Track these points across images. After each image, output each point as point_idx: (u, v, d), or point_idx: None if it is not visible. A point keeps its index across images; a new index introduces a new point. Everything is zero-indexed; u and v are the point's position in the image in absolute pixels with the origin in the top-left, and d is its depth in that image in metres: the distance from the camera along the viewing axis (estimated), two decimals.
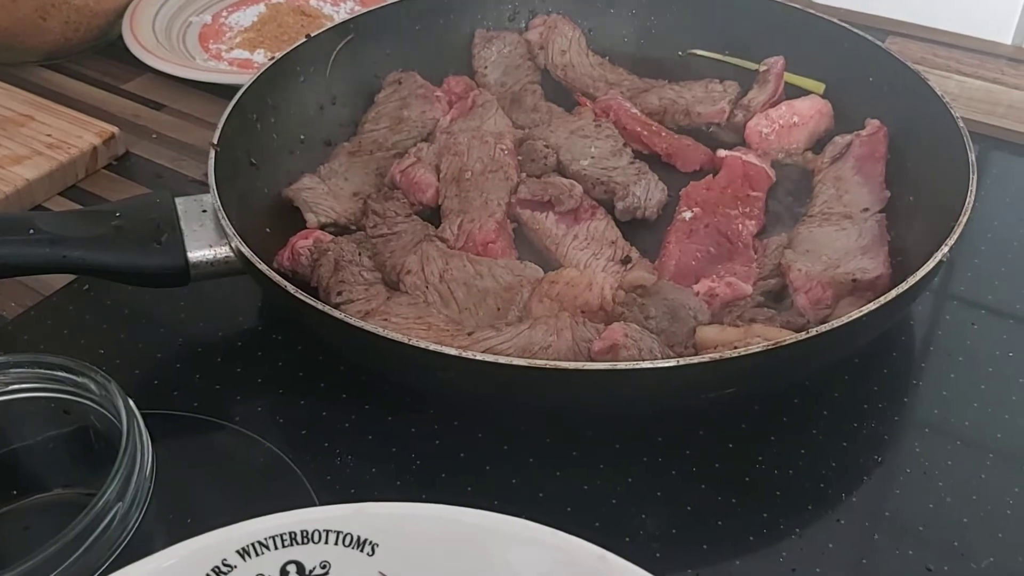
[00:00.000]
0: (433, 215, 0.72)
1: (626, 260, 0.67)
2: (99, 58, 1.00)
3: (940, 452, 0.57)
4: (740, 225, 0.69)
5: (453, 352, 0.52)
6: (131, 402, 0.46)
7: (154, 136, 0.88)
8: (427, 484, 0.56)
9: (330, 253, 0.65)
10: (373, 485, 0.56)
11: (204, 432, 0.59)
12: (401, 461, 0.58)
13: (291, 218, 0.71)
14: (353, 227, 0.71)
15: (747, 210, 0.70)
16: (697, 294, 0.63)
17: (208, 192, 0.64)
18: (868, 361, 0.63)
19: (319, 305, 0.55)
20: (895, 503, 0.55)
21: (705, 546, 0.53)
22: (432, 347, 0.52)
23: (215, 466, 0.58)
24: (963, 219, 0.59)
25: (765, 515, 0.54)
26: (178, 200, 0.64)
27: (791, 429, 0.59)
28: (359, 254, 0.66)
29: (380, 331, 0.53)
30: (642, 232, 0.71)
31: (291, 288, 0.56)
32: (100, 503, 0.41)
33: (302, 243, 0.66)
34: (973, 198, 0.61)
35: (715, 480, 0.56)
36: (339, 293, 0.63)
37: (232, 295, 0.69)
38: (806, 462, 0.57)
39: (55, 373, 0.48)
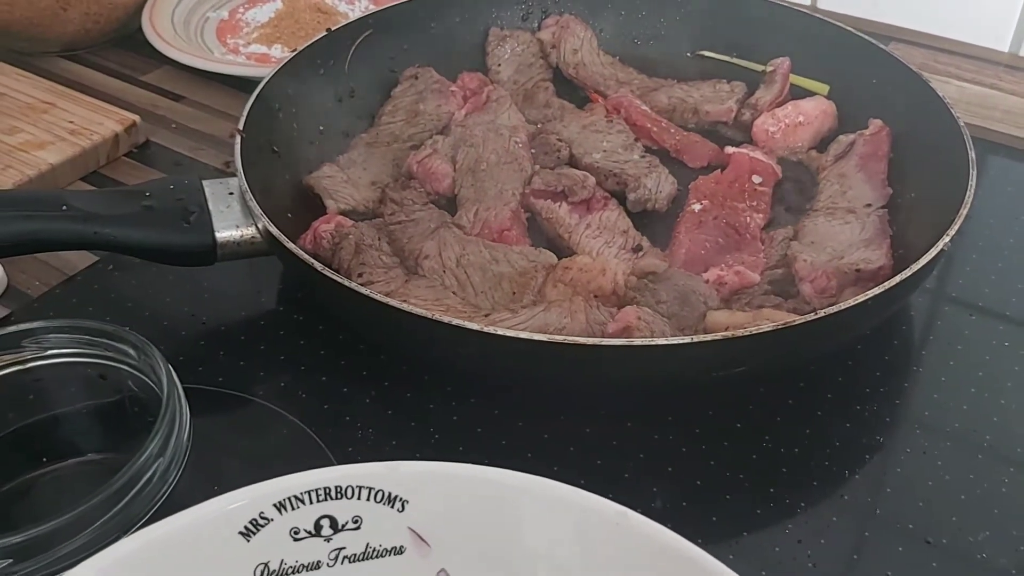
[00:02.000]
0: (448, 204, 0.75)
1: (637, 248, 0.69)
2: (118, 50, 1.02)
3: (939, 434, 0.60)
4: (748, 218, 0.71)
5: (475, 327, 0.54)
6: (170, 365, 0.48)
7: (173, 126, 0.90)
8: (445, 456, 0.57)
9: (351, 236, 0.67)
10: (393, 457, 0.57)
11: (229, 405, 0.61)
12: (420, 435, 0.60)
13: (311, 205, 0.73)
14: (371, 215, 0.73)
15: (754, 204, 0.73)
16: (707, 282, 0.66)
17: (232, 176, 0.66)
18: (870, 348, 0.65)
19: (345, 281, 0.57)
20: (896, 480, 0.57)
21: (714, 518, 0.55)
22: (455, 322, 0.54)
23: (241, 437, 0.59)
24: (963, 211, 0.61)
25: (772, 490, 0.56)
26: (205, 182, 0.66)
27: (796, 411, 0.61)
28: (379, 239, 0.68)
29: (405, 306, 0.55)
30: (652, 223, 0.73)
31: (318, 265, 0.58)
32: (143, 456, 0.43)
33: (324, 227, 0.68)
34: (973, 193, 0.63)
35: (724, 457, 0.58)
36: (359, 275, 0.65)
37: (253, 278, 0.71)
38: (811, 442, 0.59)
39: (93, 338, 0.50)
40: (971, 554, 0.53)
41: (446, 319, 0.54)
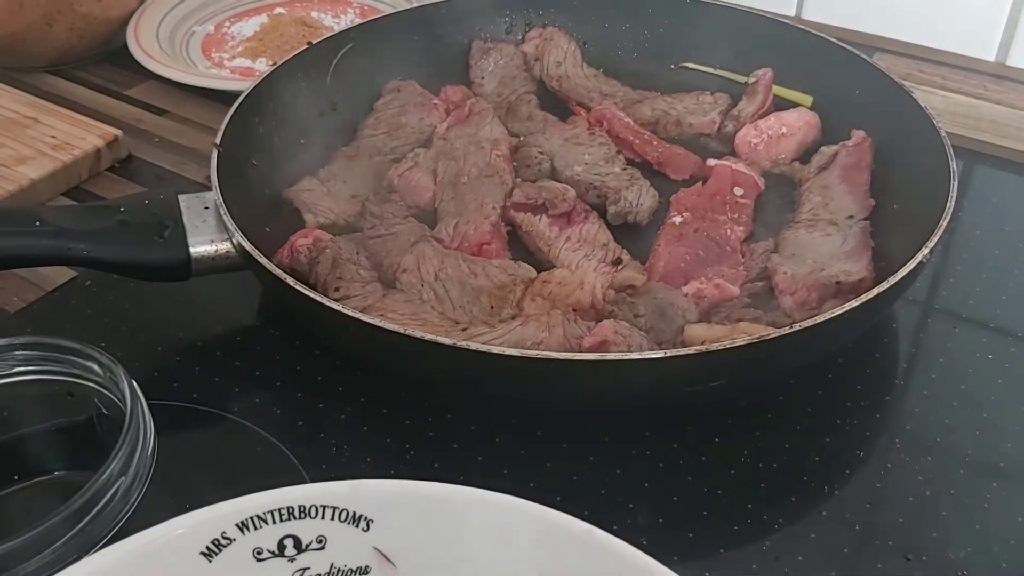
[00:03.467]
0: (428, 218, 0.74)
1: (617, 262, 0.69)
2: (103, 65, 1.02)
3: (920, 448, 0.59)
4: (728, 230, 0.71)
5: (448, 342, 0.53)
6: (134, 382, 0.47)
7: (156, 140, 0.90)
8: (420, 473, 0.57)
9: (328, 251, 0.66)
10: (367, 474, 0.56)
11: (203, 422, 0.61)
12: (395, 452, 0.59)
13: (290, 218, 0.73)
14: (351, 228, 0.73)
15: (735, 216, 0.72)
16: (686, 295, 0.65)
17: (210, 191, 0.66)
18: (852, 362, 0.65)
19: (319, 297, 0.56)
20: (875, 496, 0.56)
21: (691, 534, 0.54)
22: (428, 337, 0.53)
23: (213, 454, 0.59)
24: (943, 223, 0.61)
25: (749, 506, 0.55)
26: (181, 196, 0.66)
27: (776, 425, 0.60)
28: (356, 253, 0.68)
29: (378, 322, 0.55)
30: (633, 237, 0.73)
31: (291, 281, 0.57)
32: (104, 475, 0.43)
33: (302, 241, 0.68)
34: (954, 204, 0.63)
35: (702, 472, 0.57)
36: (336, 289, 0.65)
37: (230, 293, 0.70)
38: (790, 456, 0.58)
39: (60, 356, 0.50)
40: (952, 570, 0.52)
41: (419, 334, 0.53)
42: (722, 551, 0.53)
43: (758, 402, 0.61)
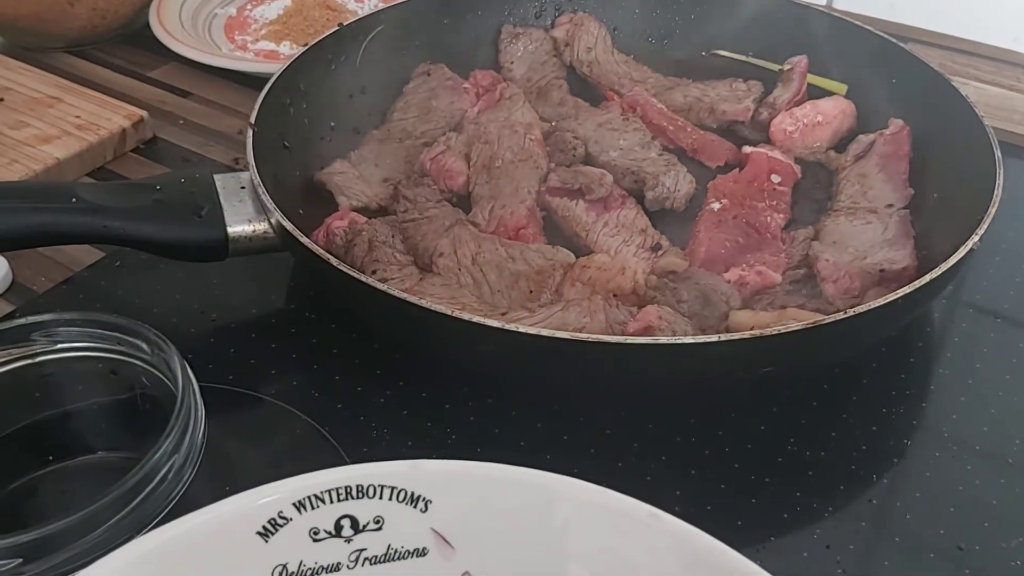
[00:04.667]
0: (461, 202, 0.73)
1: (656, 248, 0.68)
2: (124, 46, 1.00)
3: (967, 438, 0.58)
4: (768, 217, 0.70)
5: (496, 324, 0.52)
6: (185, 361, 0.46)
7: (181, 122, 0.89)
8: (463, 457, 0.56)
9: (365, 233, 0.66)
10: (410, 457, 0.56)
11: (240, 404, 0.60)
12: (436, 436, 0.58)
13: (322, 201, 0.72)
14: (383, 212, 0.72)
15: (774, 203, 0.71)
16: (728, 282, 0.64)
17: (243, 171, 0.65)
18: (894, 350, 0.64)
19: (363, 277, 0.56)
20: (925, 485, 0.55)
21: (740, 522, 0.53)
22: (475, 319, 0.53)
23: (253, 436, 0.58)
24: (992, 210, 0.60)
25: (798, 494, 0.55)
26: (216, 176, 0.65)
27: (821, 413, 0.60)
28: (392, 236, 0.67)
29: (424, 303, 0.54)
30: (669, 223, 0.72)
31: (334, 260, 0.56)
32: (157, 454, 0.42)
33: (338, 223, 0.67)
34: (1001, 191, 0.62)
35: (748, 460, 0.57)
36: (373, 272, 0.64)
37: (264, 276, 0.70)
38: (837, 444, 0.58)
39: (105, 332, 0.49)
40: (1006, 560, 0.51)
41: (466, 316, 0.53)
42: (772, 539, 0.53)
43: (803, 391, 0.61)
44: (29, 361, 0.48)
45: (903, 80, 0.78)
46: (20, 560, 0.39)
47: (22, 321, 0.48)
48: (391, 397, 0.60)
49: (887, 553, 0.52)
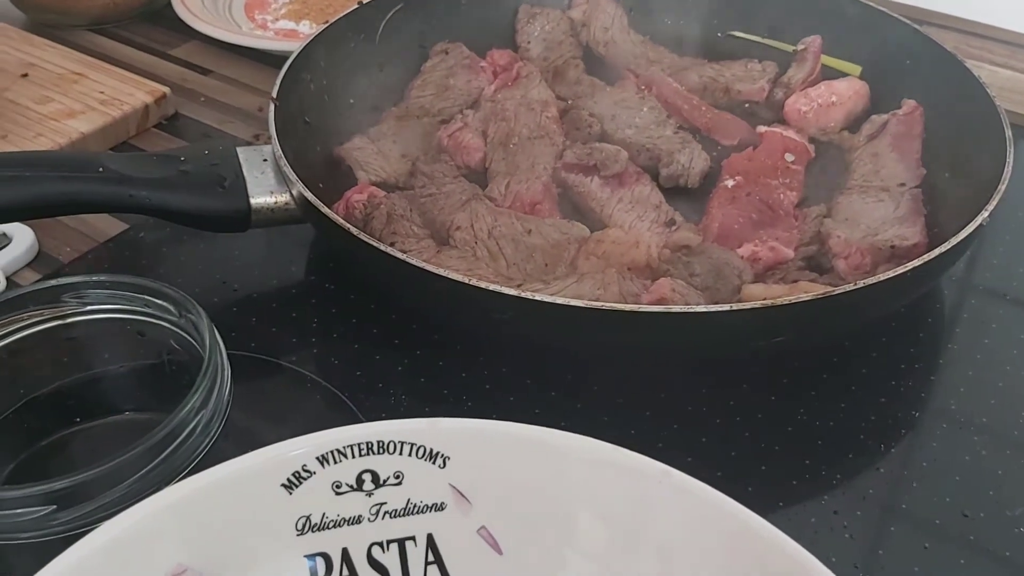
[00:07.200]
0: (478, 178, 0.74)
1: (670, 223, 0.69)
2: (146, 25, 1.02)
3: (975, 409, 0.59)
4: (781, 195, 0.71)
5: (514, 292, 0.54)
6: (210, 320, 0.48)
7: (202, 99, 0.90)
8: None
9: (383, 207, 0.67)
10: None
11: (263, 370, 0.61)
12: (453, 403, 0.59)
13: (341, 176, 0.73)
14: (401, 187, 0.73)
15: (787, 181, 0.72)
16: (741, 258, 0.65)
17: (265, 145, 0.66)
18: (904, 325, 0.65)
19: (383, 246, 0.57)
20: (932, 455, 0.57)
21: (750, 488, 0.54)
22: (493, 287, 0.54)
23: (275, 400, 0.59)
24: (1002, 187, 0.61)
25: (807, 462, 0.56)
26: (239, 149, 0.66)
27: (831, 385, 0.61)
28: (410, 209, 0.68)
29: (442, 271, 0.55)
30: (684, 200, 0.73)
31: (355, 230, 0.58)
32: (186, 409, 0.43)
33: (357, 196, 0.68)
34: (1011, 170, 0.63)
35: (758, 429, 0.58)
36: (392, 244, 0.65)
37: (283, 248, 0.71)
38: (846, 415, 0.59)
39: (133, 294, 0.50)
40: (1010, 527, 0.52)
41: (484, 284, 0.54)
42: (781, 504, 0.54)
43: (813, 363, 0.62)
44: (59, 322, 0.50)
45: (917, 61, 0.79)
46: (54, 507, 0.41)
47: (52, 283, 0.49)
48: (409, 365, 0.62)
49: (893, 519, 0.53)
